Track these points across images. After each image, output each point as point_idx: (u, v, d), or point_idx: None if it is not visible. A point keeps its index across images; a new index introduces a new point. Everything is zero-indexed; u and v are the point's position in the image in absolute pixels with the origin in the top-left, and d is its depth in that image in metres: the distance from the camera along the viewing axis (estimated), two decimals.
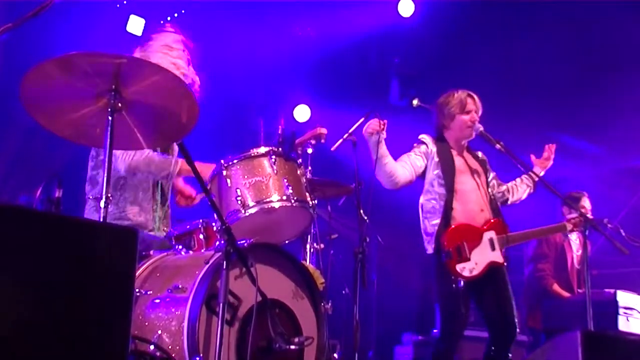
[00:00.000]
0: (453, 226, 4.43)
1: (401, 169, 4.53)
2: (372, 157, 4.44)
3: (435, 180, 4.56)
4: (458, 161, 4.63)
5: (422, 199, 4.62)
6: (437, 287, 4.48)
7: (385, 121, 4.40)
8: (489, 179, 4.74)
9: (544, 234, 4.79)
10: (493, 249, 4.45)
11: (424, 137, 4.72)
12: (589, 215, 4.62)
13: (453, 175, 4.54)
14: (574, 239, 6.25)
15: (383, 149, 4.42)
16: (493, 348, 4.42)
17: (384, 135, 4.39)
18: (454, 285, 4.34)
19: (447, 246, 4.37)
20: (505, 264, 4.47)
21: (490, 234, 4.47)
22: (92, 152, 3.77)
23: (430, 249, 4.50)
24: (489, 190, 4.68)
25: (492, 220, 4.53)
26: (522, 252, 6.43)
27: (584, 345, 3.35)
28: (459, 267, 4.34)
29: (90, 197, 3.73)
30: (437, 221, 4.47)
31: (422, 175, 4.64)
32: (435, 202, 4.52)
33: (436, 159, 4.59)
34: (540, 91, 7.83)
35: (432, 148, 4.63)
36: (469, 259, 4.37)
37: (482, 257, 4.41)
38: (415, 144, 4.70)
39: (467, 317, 4.46)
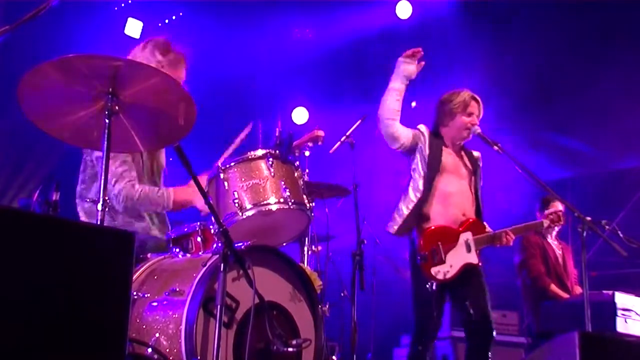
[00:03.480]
0: (432, 227, 4.40)
1: (403, 127, 4.53)
2: (390, 86, 4.47)
3: (420, 167, 4.52)
4: (448, 159, 4.58)
5: (407, 186, 4.58)
6: (412, 288, 4.46)
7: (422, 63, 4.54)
8: (478, 182, 4.69)
9: (521, 232, 4.80)
10: (469, 250, 4.43)
11: (420, 126, 4.66)
12: (588, 218, 4.60)
13: (435, 173, 4.49)
14: (551, 240, 6.25)
15: (402, 86, 4.48)
16: (472, 350, 4.41)
17: (414, 72, 4.51)
18: (427, 288, 4.32)
19: (424, 249, 4.36)
20: (480, 264, 4.44)
21: (466, 235, 4.44)
22: (81, 166, 3.77)
23: (393, 229, 4.48)
24: (478, 193, 4.64)
25: (469, 221, 4.50)
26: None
27: (582, 346, 3.35)
28: (433, 270, 4.32)
29: (86, 201, 3.71)
30: (411, 209, 4.45)
31: (408, 154, 4.62)
32: (414, 190, 4.49)
33: (426, 152, 4.54)
34: (536, 92, 7.84)
35: (426, 136, 4.57)
36: (443, 262, 4.35)
37: (457, 259, 4.38)
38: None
39: (440, 320, 4.43)
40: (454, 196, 4.52)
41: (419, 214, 4.45)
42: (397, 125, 4.50)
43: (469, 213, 4.55)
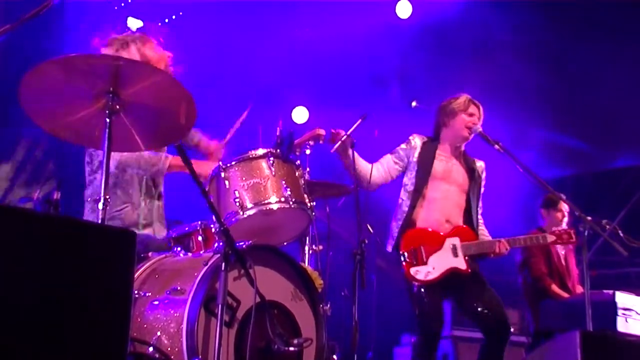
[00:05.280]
0: (413, 229, 4.44)
1: (375, 171, 4.56)
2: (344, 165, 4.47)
3: (409, 181, 4.58)
4: (439, 166, 4.60)
5: (398, 205, 4.65)
6: (407, 291, 4.49)
7: (343, 133, 4.43)
8: (475, 189, 4.68)
9: (522, 244, 4.72)
10: (455, 255, 4.42)
11: (413, 136, 4.71)
12: (589, 217, 4.60)
13: (425, 180, 4.54)
14: None
15: (346, 159, 4.46)
16: (488, 347, 4.41)
17: (343, 147, 4.43)
18: (411, 288, 4.36)
19: (403, 249, 4.39)
20: (469, 270, 4.41)
21: (453, 240, 4.44)
22: (86, 157, 3.79)
23: (390, 247, 4.56)
24: (472, 200, 4.64)
25: (459, 227, 4.51)
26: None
27: (583, 345, 3.36)
28: (412, 270, 4.33)
29: (88, 200, 3.74)
30: (401, 223, 4.51)
31: (402, 174, 4.67)
32: (404, 203, 4.55)
33: (414, 159, 4.59)
34: (537, 91, 7.83)
35: (417, 147, 4.62)
36: (425, 263, 4.35)
37: (441, 263, 4.37)
38: (402, 143, 4.71)
39: (438, 318, 4.41)
40: (437, 202, 4.54)
41: (407, 220, 4.50)
42: (373, 180, 4.55)
43: (454, 219, 4.55)
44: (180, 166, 3.71)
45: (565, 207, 6.06)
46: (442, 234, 4.47)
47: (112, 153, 3.50)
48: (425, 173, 4.55)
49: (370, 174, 4.53)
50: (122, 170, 3.70)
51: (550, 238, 4.75)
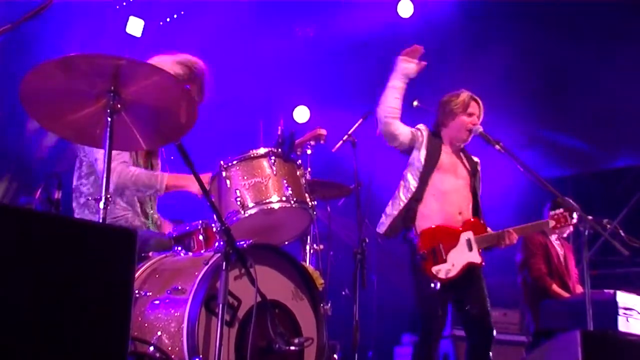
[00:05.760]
0: (431, 227, 4.43)
1: (402, 125, 4.58)
2: (389, 84, 4.58)
3: (414, 168, 4.56)
4: (446, 158, 4.61)
5: (400, 185, 4.63)
6: (414, 289, 4.48)
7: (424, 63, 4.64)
8: (477, 184, 4.70)
9: (527, 232, 4.80)
10: (470, 249, 4.43)
11: (420, 125, 4.72)
12: (590, 217, 4.60)
13: (432, 169, 4.53)
14: (554, 238, 6.24)
15: (402, 84, 4.57)
16: (473, 350, 4.42)
17: (414, 71, 4.64)
18: (430, 287, 4.34)
19: (422, 248, 4.37)
20: (483, 263, 4.45)
21: (467, 235, 4.46)
22: (76, 163, 3.75)
23: (382, 229, 4.53)
24: (477, 194, 4.66)
25: (469, 220, 4.52)
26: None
27: (584, 345, 3.36)
28: (434, 269, 4.33)
29: (86, 201, 3.70)
30: (399, 208, 4.49)
31: (406, 152, 4.66)
32: (405, 194, 4.52)
33: (424, 149, 4.58)
34: (539, 91, 7.83)
35: (424, 137, 4.62)
36: (445, 261, 4.36)
37: (459, 259, 4.39)
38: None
39: (445, 319, 4.45)
40: (449, 194, 4.54)
41: (413, 211, 4.48)
42: (396, 123, 4.57)
43: (465, 212, 4.56)
44: (176, 186, 3.71)
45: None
46: (458, 228, 4.48)
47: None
48: (434, 160, 4.55)
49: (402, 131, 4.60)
50: (121, 194, 3.67)
51: (551, 223, 4.92)
